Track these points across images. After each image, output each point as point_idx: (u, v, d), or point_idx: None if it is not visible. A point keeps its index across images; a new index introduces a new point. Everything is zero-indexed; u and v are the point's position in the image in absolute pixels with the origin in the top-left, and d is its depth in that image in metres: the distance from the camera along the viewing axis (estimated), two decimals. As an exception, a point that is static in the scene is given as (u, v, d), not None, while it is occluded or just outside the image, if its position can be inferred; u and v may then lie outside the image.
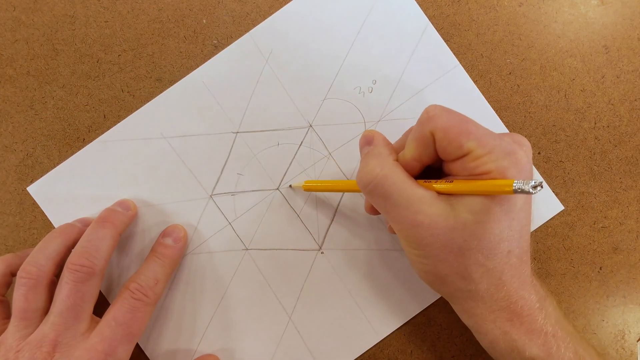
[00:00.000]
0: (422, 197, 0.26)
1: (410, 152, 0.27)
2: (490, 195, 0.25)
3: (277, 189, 0.36)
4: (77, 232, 0.33)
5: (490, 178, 0.25)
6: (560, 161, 0.36)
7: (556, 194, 0.36)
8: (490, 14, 0.36)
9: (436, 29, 0.36)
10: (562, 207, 0.36)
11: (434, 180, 0.27)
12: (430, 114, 0.26)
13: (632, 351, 0.36)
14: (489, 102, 0.36)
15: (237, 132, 0.35)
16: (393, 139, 0.33)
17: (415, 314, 0.36)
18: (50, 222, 0.36)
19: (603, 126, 0.36)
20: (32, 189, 0.36)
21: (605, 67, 0.36)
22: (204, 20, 0.36)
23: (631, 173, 0.36)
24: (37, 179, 0.36)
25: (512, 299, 0.27)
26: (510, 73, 0.36)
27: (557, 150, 0.36)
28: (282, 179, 0.36)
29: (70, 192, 0.35)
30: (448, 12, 0.36)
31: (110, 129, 0.36)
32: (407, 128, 0.35)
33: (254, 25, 0.36)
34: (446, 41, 0.36)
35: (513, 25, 0.36)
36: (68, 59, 0.36)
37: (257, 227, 0.36)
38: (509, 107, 0.36)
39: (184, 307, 0.35)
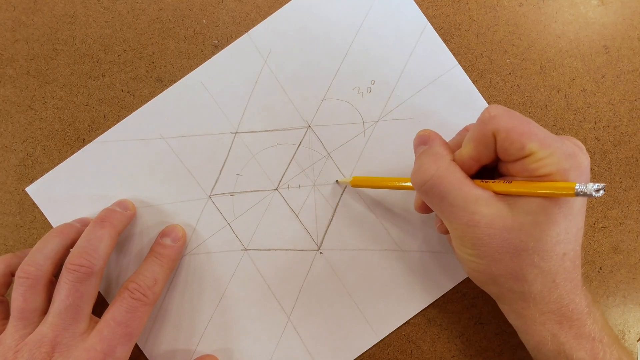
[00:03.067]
0: (479, 198, 0.26)
1: (468, 152, 0.27)
2: (549, 197, 0.25)
3: (276, 189, 0.36)
4: (76, 231, 0.33)
5: (551, 180, 0.25)
6: (560, 161, 0.36)
7: (556, 194, 0.36)
8: (490, 14, 0.36)
9: (436, 29, 0.36)
10: None
11: (491, 181, 0.27)
12: (492, 114, 0.26)
13: (632, 351, 0.36)
14: (488, 102, 0.36)
15: (236, 133, 0.35)
16: (393, 139, 0.33)
17: (415, 314, 0.36)
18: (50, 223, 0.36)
19: (603, 126, 0.36)
20: (30, 189, 0.36)
21: (605, 67, 0.36)
22: (204, 20, 0.36)
23: (631, 173, 0.36)
24: (37, 179, 0.36)
25: (563, 302, 0.27)
26: (510, 73, 0.36)
27: (557, 150, 0.36)
28: (281, 179, 0.36)
29: (69, 192, 0.35)
30: (448, 12, 0.36)
31: (109, 130, 0.36)
32: (406, 128, 0.35)
33: (254, 25, 0.36)
34: (446, 41, 0.36)
35: (513, 25, 0.36)
36: (68, 59, 0.36)
37: (255, 227, 0.36)
38: (509, 107, 0.36)
39: (183, 307, 0.35)
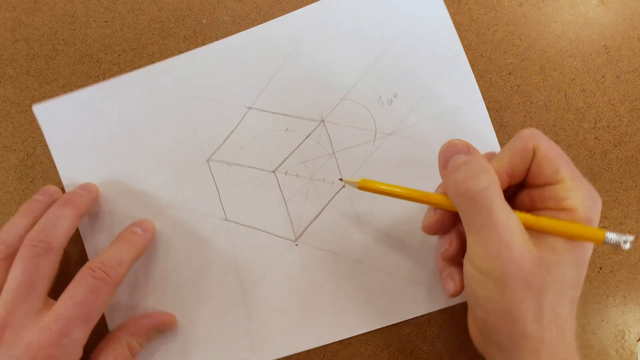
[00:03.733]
0: (516, 221, 0.25)
1: (503, 164, 0.27)
2: (575, 239, 0.25)
3: (273, 171, 0.36)
4: (43, 208, 0.33)
5: (574, 215, 0.25)
6: (560, 161, 0.36)
7: (556, 194, 0.36)
8: (490, 14, 0.36)
9: (436, 29, 0.36)
10: None
11: (517, 211, 0.26)
12: (533, 132, 0.26)
13: (632, 351, 0.36)
14: (488, 102, 0.36)
15: (250, 108, 0.36)
16: (400, 155, 0.33)
17: (355, 335, 0.35)
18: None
19: (603, 126, 0.36)
20: (37, 108, 0.36)
21: (605, 67, 0.36)
22: (204, 20, 0.36)
23: (631, 173, 0.36)
24: (37, 178, 0.36)
25: (567, 353, 0.25)
26: (510, 73, 0.36)
27: (557, 150, 0.36)
28: (281, 163, 0.36)
29: (73, 122, 0.36)
30: (448, 12, 0.36)
31: (130, 73, 0.36)
32: (415, 148, 0.35)
33: (254, 25, 0.36)
34: (446, 41, 0.36)
35: (513, 25, 0.36)
36: (68, 59, 0.36)
37: (243, 202, 0.36)
38: (509, 107, 0.36)
39: (146, 260, 0.35)
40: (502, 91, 0.36)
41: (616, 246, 0.22)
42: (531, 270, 0.24)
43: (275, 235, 0.36)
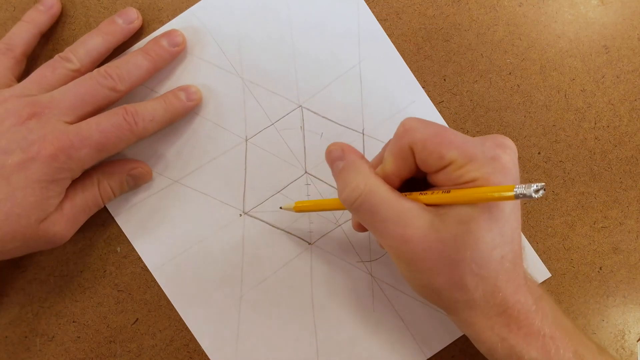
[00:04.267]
0: (409, 210, 0.26)
1: (389, 167, 0.27)
2: (477, 203, 0.25)
3: (306, 172, 0.36)
4: (120, 31, 0.34)
5: (475, 186, 0.24)
6: (560, 161, 0.36)
7: (556, 194, 0.36)
8: (490, 14, 0.36)
9: (436, 28, 0.36)
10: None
11: (419, 192, 0.26)
12: (407, 127, 0.26)
13: (632, 351, 0.36)
14: (489, 102, 0.36)
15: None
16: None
17: None
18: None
19: (603, 126, 0.36)
20: None
21: (605, 67, 0.36)
22: (204, 21, 0.36)
23: (631, 173, 0.36)
24: (37, 179, 0.36)
25: (508, 304, 0.27)
26: (510, 73, 0.36)
27: (557, 150, 0.36)
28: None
29: None
30: (448, 12, 0.36)
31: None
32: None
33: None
34: (446, 41, 0.36)
35: (513, 25, 0.36)
36: (68, 59, 0.36)
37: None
38: (509, 107, 0.36)
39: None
40: (502, 91, 0.36)
41: (529, 197, 0.22)
42: (438, 247, 0.25)
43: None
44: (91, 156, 0.30)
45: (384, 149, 0.30)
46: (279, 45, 0.36)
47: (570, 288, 0.36)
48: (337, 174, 0.28)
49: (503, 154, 0.26)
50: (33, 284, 0.36)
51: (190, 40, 0.36)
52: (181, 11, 0.36)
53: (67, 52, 0.33)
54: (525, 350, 0.27)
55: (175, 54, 0.35)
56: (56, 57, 0.33)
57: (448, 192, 0.25)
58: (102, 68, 0.32)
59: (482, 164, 0.24)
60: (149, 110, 0.32)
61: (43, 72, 0.32)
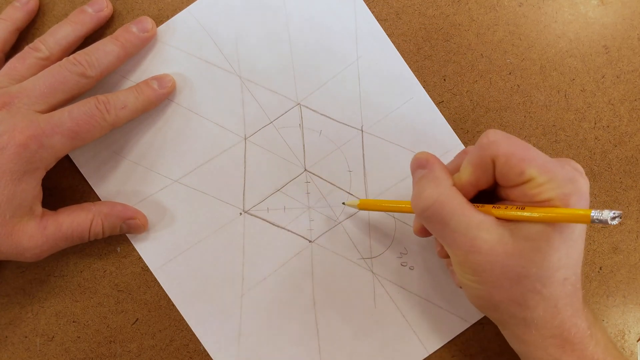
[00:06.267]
0: (480, 223, 0.26)
1: (466, 176, 0.27)
2: (552, 222, 0.25)
3: (305, 169, 0.36)
4: (90, 19, 0.34)
5: (550, 206, 0.25)
6: (560, 161, 0.36)
7: (556, 194, 0.36)
8: (490, 14, 0.36)
9: (436, 28, 0.36)
10: None
11: (491, 205, 0.27)
12: (491, 139, 0.26)
13: (632, 351, 0.36)
14: (489, 102, 0.36)
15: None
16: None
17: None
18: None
19: (603, 126, 0.36)
20: None
21: (605, 67, 0.36)
22: (204, 20, 0.36)
23: (631, 173, 0.36)
24: (37, 178, 0.36)
25: (565, 326, 0.27)
26: (510, 73, 0.36)
27: (557, 150, 0.36)
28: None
29: None
30: (448, 12, 0.36)
31: None
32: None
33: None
34: (446, 41, 0.36)
35: (513, 25, 0.36)
36: (68, 59, 0.36)
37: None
38: (509, 107, 0.36)
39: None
40: (502, 91, 0.36)
41: (605, 223, 0.22)
42: (504, 261, 0.26)
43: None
44: (64, 144, 0.30)
45: (459, 155, 0.31)
46: (276, 43, 0.36)
47: (570, 288, 0.36)
48: (416, 181, 0.29)
49: (580, 178, 0.26)
50: (33, 284, 0.36)
51: (188, 40, 0.36)
52: (180, 10, 0.36)
53: (37, 42, 0.33)
54: None
55: (145, 39, 0.34)
56: (26, 48, 0.33)
57: (522, 208, 0.25)
58: (71, 56, 0.32)
59: (560, 184, 0.25)
60: (120, 98, 0.32)
61: (13, 64, 0.32)
